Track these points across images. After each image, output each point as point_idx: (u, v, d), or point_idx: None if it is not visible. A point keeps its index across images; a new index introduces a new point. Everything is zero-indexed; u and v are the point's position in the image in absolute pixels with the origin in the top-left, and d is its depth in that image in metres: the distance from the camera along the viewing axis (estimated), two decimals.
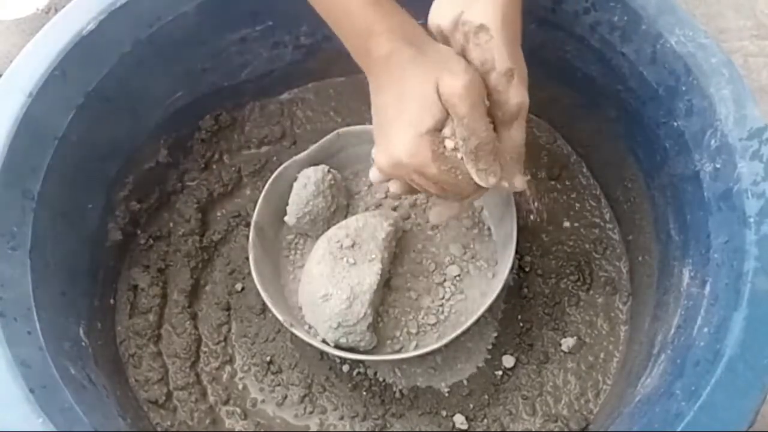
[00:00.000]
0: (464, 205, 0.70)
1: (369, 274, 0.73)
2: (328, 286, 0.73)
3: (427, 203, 0.83)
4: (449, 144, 0.58)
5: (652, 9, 0.71)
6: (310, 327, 0.76)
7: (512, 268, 0.74)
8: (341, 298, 0.72)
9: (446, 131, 0.58)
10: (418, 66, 0.57)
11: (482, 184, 0.59)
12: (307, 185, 0.78)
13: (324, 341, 0.74)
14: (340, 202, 0.81)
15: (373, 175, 0.66)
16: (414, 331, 0.77)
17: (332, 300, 0.72)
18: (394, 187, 0.66)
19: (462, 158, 0.58)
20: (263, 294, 0.74)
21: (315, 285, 0.74)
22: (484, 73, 0.58)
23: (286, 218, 0.79)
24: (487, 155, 0.58)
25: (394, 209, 0.83)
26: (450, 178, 0.59)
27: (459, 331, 0.73)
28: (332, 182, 0.80)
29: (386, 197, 0.84)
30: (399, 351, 0.76)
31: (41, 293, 0.68)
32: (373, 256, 0.75)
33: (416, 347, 0.76)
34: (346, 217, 0.82)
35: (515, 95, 0.59)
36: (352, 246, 0.75)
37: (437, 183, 0.60)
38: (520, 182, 0.63)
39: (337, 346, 0.74)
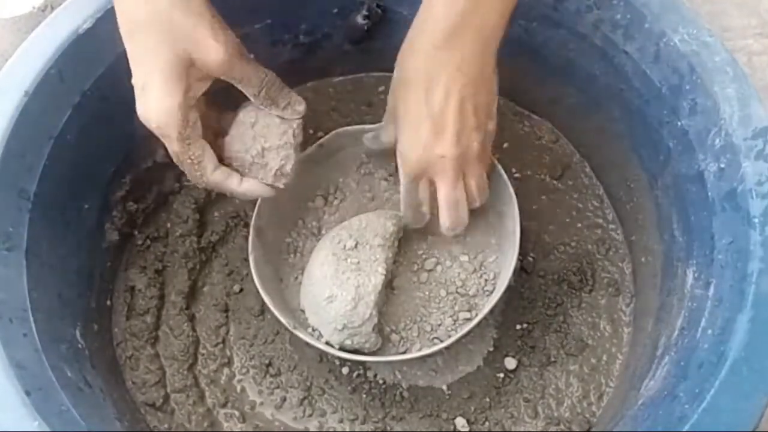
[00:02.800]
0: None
1: (373, 275, 0.73)
2: (333, 287, 0.72)
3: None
4: None
5: (655, 7, 0.71)
6: (313, 329, 0.75)
7: (514, 270, 0.74)
8: (346, 300, 0.71)
9: None
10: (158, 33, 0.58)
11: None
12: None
13: (328, 343, 0.73)
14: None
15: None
16: (415, 333, 0.76)
17: (337, 302, 0.72)
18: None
19: None
20: (265, 297, 0.74)
21: (319, 287, 0.73)
22: None
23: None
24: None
25: (392, 201, 0.83)
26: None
27: (461, 333, 0.72)
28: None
29: (385, 200, 0.83)
30: (401, 352, 0.76)
31: (37, 295, 0.68)
32: (377, 256, 0.74)
33: (418, 349, 0.76)
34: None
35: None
36: (355, 246, 0.74)
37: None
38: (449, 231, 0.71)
39: (342, 349, 0.73)
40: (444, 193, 0.67)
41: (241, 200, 0.89)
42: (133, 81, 0.60)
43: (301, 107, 0.64)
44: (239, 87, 0.62)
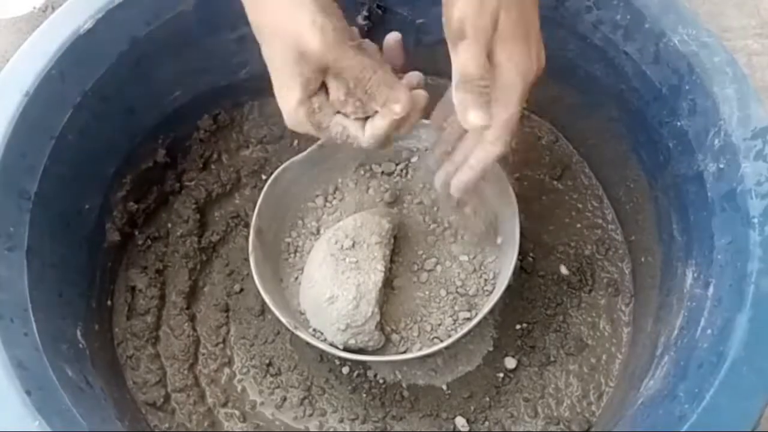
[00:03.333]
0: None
1: (373, 273, 0.73)
2: (333, 287, 0.72)
3: (425, 200, 0.83)
4: None
5: (655, 7, 0.71)
6: (315, 330, 0.75)
7: (514, 269, 0.74)
8: (347, 299, 0.71)
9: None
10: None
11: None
12: None
13: (332, 344, 0.74)
14: None
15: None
16: (416, 333, 0.76)
17: (338, 302, 0.72)
18: None
19: None
20: (266, 297, 0.74)
21: (319, 288, 0.73)
22: None
23: None
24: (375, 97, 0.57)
25: (391, 203, 0.83)
26: None
27: (461, 333, 0.72)
28: None
29: (383, 200, 0.83)
30: (401, 352, 0.76)
31: (38, 294, 0.68)
32: (375, 254, 0.74)
33: (418, 349, 0.76)
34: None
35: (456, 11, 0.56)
36: (353, 246, 0.74)
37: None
38: (475, 117, 0.57)
39: (346, 348, 0.74)
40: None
41: (242, 200, 0.89)
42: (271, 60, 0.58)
43: (398, 107, 0.57)
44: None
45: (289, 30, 0.55)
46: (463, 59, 0.56)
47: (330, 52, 0.54)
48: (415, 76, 0.62)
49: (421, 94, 0.60)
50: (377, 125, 0.59)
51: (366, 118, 0.59)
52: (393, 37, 0.63)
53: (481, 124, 0.57)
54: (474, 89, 0.56)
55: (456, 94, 0.57)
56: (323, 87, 0.58)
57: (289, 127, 0.59)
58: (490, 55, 0.56)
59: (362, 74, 0.56)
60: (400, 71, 0.62)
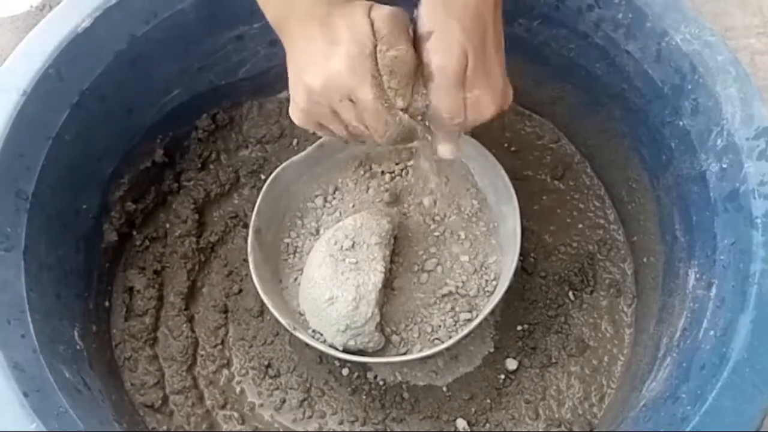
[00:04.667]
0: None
1: (373, 273, 0.73)
2: (333, 288, 0.72)
3: (425, 200, 0.83)
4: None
5: (657, 6, 0.71)
6: (314, 332, 0.75)
7: (515, 270, 0.73)
8: (347, 300, 0.71)
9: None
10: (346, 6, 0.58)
11: (393, 103, 0.59)
12: None
13: (331, 345, 0.73)
14: None
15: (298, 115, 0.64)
16: (416, 334, 0.76)
17: (338, 303, 0.71)
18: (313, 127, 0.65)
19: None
20: (265, 298, 0.74)
21: (318, 289, 0.73)
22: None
23: None
24: (402, 76, 0.58)
25: (391, 204, 0.82)
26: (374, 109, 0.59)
27: (462, 334, 0.72)
28: None
29: (383, 200, 0.83)
30: (402, 353, 0.76)
31: (35, 295, 0.68)
32: (375, 254, 0.74)
33: (419, 350, 0.75)
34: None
35: (435, 58, 0.58)
36: (353, 246, 0.74)
37: (361, 113, 0.59)
38: (444, 150, 0.63)
39: (345, 350, 0.73)
40: None
41: (241, 201, 0.89)
42: (311, 54, 0.58)
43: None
44: None
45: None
46: (433, 100, 0.59)
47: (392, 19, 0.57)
48: None
49: None
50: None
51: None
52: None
53: (449, 157, 0.63)
54: (444, 126, 0.61)
55: (431, 123, 0.61)
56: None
57: (345, 78, 0.58)
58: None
59: (400, 46, 0.57)
60: None
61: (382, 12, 0.57)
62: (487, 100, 0.59)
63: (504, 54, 0.61)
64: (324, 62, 0.57)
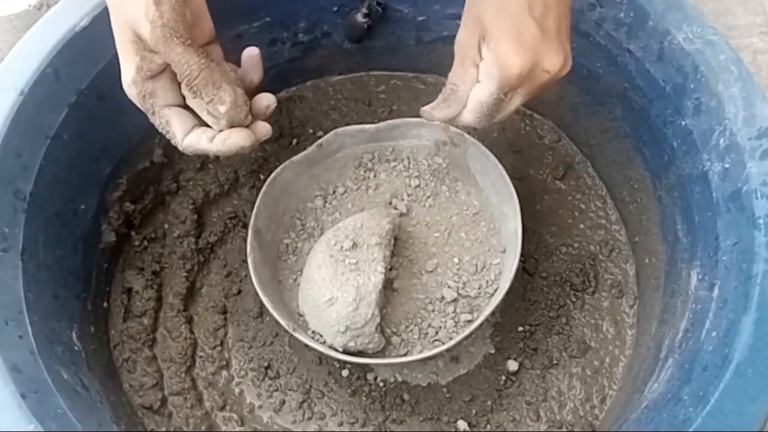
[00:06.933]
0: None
1: (373, 274, 0.72)
2: (333, 289, 0.72)
3: (426, 201, 0.82)
4: None
5: (659, 5, 0.71)
6: (314, 333, 0.75)
7: (516, 271, 0.73)
8: (347, 301, 0.71)
9: None
10: None
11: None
12: None
13: (331, 346, 0.73)
14: None
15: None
16: (416, 335, 0.76)
17: (338, 303, 0.71)
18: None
19: None
20: (264, 299, 0.73)
21: (318, 290, 0.72)
22: None
23: None
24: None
25: (391, 204, 0.82)
26: None
27: (463, 335, 0.72)
28: None
29: (383, 200, 0.83)
30: (402, 355, 0.75)
31: (33, 296, 0.67)
32: (375, 255, 0.73)
33: (419, 351, 0.75)
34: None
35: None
36: (353, 247, 0.73)
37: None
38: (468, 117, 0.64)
39: (345, 351, 0.73)
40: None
41: (240, 201, 0.89)
42: None
43: (222, 108, 0.60)
44: None
45: (128, 11, 0.57)
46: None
47: (158, 45, 0.57)
48: (265, 98, 0.65)
49: (264, 126, 0.65)
50: (194, 135, 0.62)
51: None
52: (250, 52, 0.66)
53: (438, 117, 0.65)
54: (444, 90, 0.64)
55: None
56: (166, 75, 0.60)
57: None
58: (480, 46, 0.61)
59: (188, 70, 0.58)
60: (255, 88, 0.66)
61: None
62: (509, 54, 0.58)
63: (571, 21, 0.61)
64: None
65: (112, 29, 0.59)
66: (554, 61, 0.59)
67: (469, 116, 0.64)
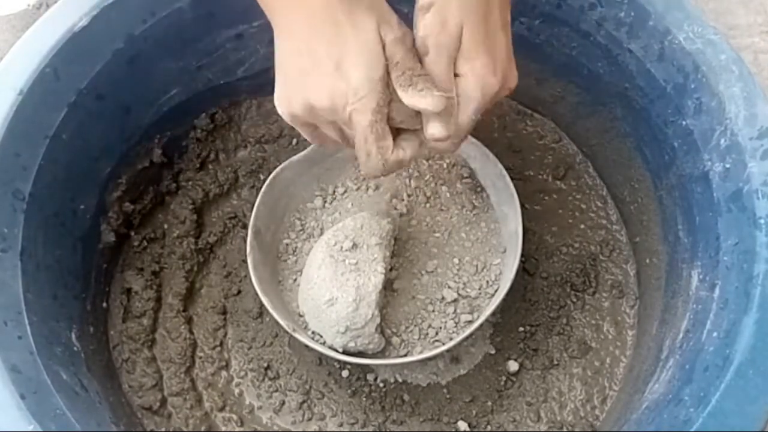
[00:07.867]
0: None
1: (373, 274, 0.72)
2: (333, 289, 0.71)
3: (427, 201, 0.82)
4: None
5: (659, 5, 0.70)
6: (314, 333, 0.74)
7: (516, 271, 0.73)
8: (347, 301, 0.71)
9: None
10: (357, 14, 0.56)
11: (423, 104, 0.56)
12: None
13: (331, 347, 0.73)
14: None
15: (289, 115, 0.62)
16: (417, 335, 0.76)
17: (338, 304, 0.71)
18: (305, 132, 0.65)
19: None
20: (264, 299, 0.73)
21: (318, 290, 0.72)
22: None
23: None
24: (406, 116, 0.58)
25: (392, 204, 0.82)
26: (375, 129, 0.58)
27: (463, 336, 0.72)
28: None
29: (383, 200, 0.82)
30: (402, 355, 0.75)
31: (32, 296, 0.67)
32: (375, 255, 0.73)
33: (419, 351, 0.75)
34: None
35: (427, 29, 0.57)
36: (353, 247, 0.73)
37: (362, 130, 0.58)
38: (433, 129, 0.59)
39: (345, 352, 0.73)
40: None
41: (240, 201, 0.89)
42: (316, 60, 0.57)
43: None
44: None
45: (378, 14, 0.56)
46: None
47: (396, 44, 0.56)
48: None
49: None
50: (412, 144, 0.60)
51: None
52: None
53: (438, 136, 0.58)
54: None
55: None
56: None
57: (358, 93, 0.56)
58: (454, 68, 0.57)
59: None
60: None
61: (392, 35, 0.56)
62: (487, 74, 0.57)
63: (510, 35, 0.60)
64: (330, 80, 0.56)
65: (354, 29, 0.56)
66: (515, 79, 0.60)
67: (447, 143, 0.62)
